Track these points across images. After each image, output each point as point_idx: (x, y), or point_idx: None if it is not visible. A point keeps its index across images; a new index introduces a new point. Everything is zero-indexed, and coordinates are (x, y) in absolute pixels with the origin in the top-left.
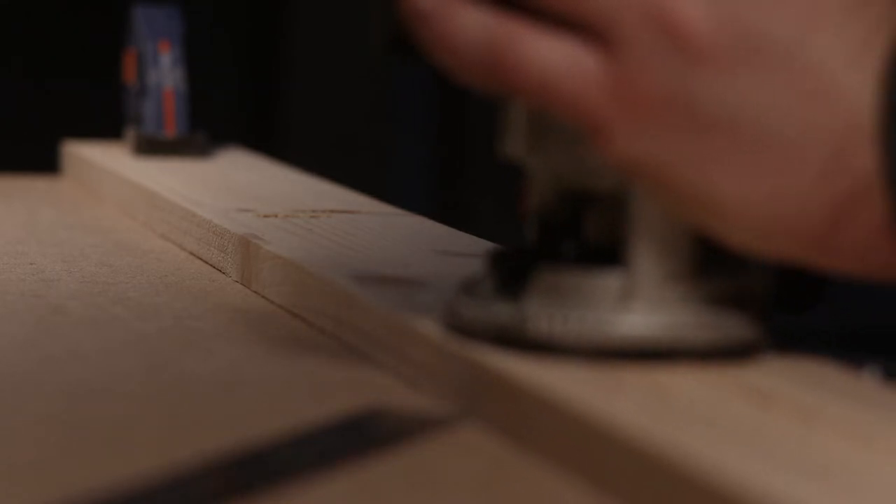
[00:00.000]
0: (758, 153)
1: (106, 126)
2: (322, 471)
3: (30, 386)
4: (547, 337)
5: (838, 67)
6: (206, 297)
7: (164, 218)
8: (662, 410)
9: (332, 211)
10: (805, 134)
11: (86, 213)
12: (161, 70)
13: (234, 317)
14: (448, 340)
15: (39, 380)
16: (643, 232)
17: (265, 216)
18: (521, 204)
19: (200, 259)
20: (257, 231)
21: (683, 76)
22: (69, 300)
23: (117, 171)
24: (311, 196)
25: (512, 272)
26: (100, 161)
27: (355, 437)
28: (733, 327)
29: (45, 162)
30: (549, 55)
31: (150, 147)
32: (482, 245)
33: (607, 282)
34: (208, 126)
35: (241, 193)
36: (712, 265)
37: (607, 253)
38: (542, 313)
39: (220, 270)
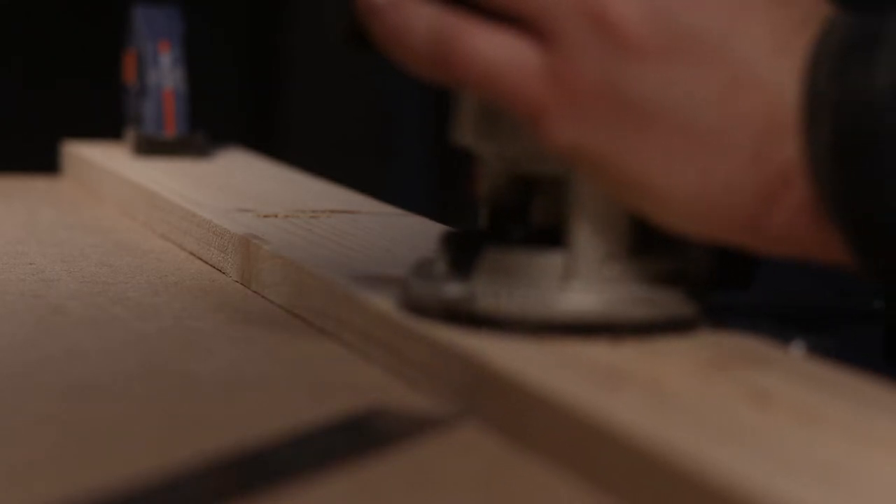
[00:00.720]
0: (687, 141)
1: (106, 126)
2: (322, 471)
3: (30, 386)
4: (493, 313)
5: (763, 61)
6: (206, 297)
7: (164, 218)
8: (661, 410)
9: (332, 211)
10: (732, 123)
11: (86, 213)
12: (161, 70)
13: (234, 317)
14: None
15: (39, 380)
16: (583, 214)
17: (265, 216)
18: (473, 188)
19: (200, 259)
20: (257, 231)
21: (616, 68)
22: (69, 300)
23: (117, 171)
24: (311, 196)
25: (462, 253)
26: (100, 161)
27: (355, 437)
28: (670, 304)
29: (45, 162)
30: (493, 48)
31: (150, 147)
32: None
33: (550, 261)
34: (208, 126)
35: (241, 193)
36: (651, 245)
37: (553, 234)
38: (489, 291)
39: (220, 270)
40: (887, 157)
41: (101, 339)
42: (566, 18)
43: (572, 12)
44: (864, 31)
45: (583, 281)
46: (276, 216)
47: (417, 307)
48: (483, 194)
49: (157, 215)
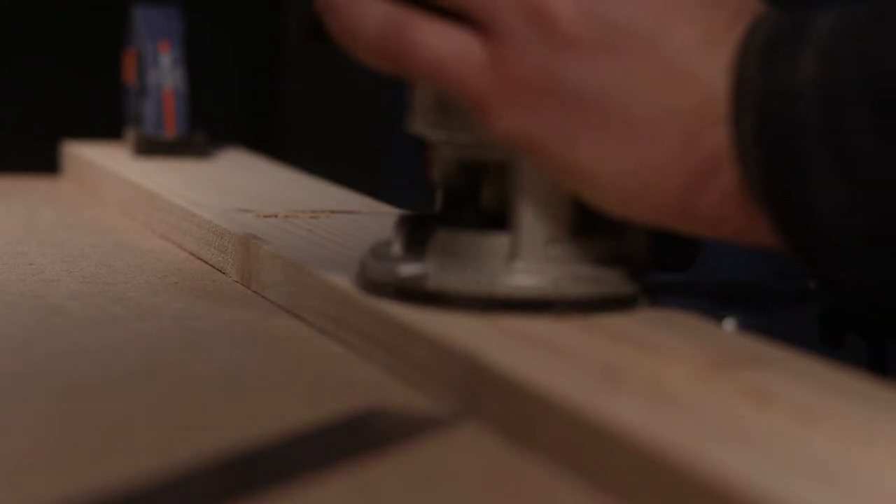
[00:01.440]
0: (621, 130)
1: (106, 126)
2: (322, 471)
3: (30, 386)
4: (444, 291)
5: (693, 56)
6: (206, 297)
7: (164, 218)
8: (661, 410)
9: (332, 211)
10: (664, 113)
11: (86, 213)
12: (161, 70)
13: (234, 317)
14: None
15: (39, 380)
16: (526, 198)
17: (265, 216)
18: (427, 174)
19: (200, 259)
20: (257, 231)
21: (554, 61)
22: (69, 300)
23: (117, 171)
24: (311, 196)
25: (416, 235)
26: (100, 161)
27: (355, 437)
28: (610, 283)
29: (45, 162)
30: (439, 41)
31: (150, 147)
32: None
33: (497, 242)
34: (208, 126)
35: (241, 193)
36: (593, 227)
37: (501, 217)
38: (440, 270)
39: (220, 270)
40: (809, 145)
41: (101, 339)
42: (507, 14)
43: (513, 9)
44: (789, 27)
45: (527, 261)
46: (276, 216)
47: (373, 286)
48: (435, 179)
49: (157, 215)
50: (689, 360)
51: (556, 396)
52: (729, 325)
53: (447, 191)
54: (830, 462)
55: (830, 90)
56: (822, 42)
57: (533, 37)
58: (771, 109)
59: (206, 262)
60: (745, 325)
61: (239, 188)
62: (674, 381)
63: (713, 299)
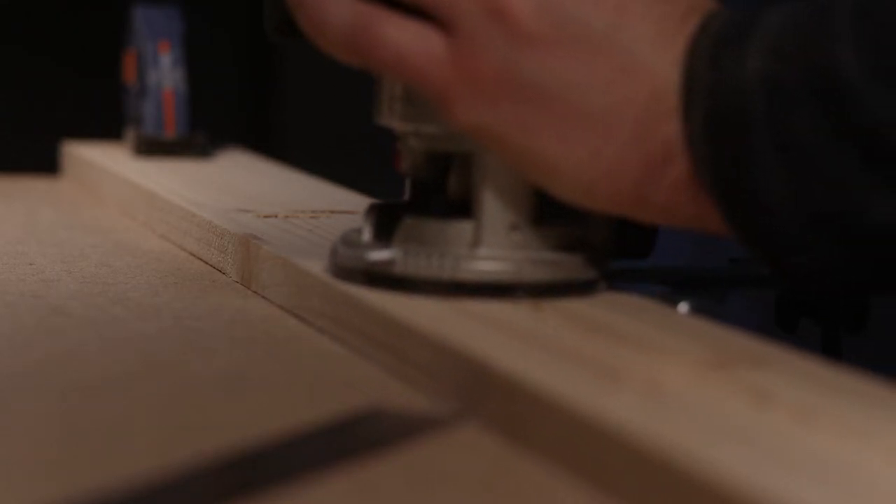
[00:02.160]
0: (578, 121)
1: (106, 126)
2: (322, 471)
3: (30, 386)
4: (410, 275)
5: (645, 51)
6: (206, 297)
7: (164, 218)
8: (660, 410)
9: (332, 211)
10: (618, 105)
11: (85, 213)
12: (161, 70)
13: (234, 317)
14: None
15: (39, 380)
16: (489, 187)
17: (265, 216)
18: (396, 165)
19: (200, 259)
20: (257, 231)
21: (512, 55)
22: (69, 300)
23: (117, 171)
24: (311, 196)
25: (385, 222)
26: (100, 161)
27: (355, 437)
28: (570, 268)
29: (45, 162)
30: (403, 36)
31: (150, 147)
32: None
33: (461, 229)
34: (208, 126)
35: (241, 194)
36: (554, 215)
37: (466, 206)
38: (407, 256)
39: (220, 271)
40: (754, 136)
41: (101, 340)
42: (469, 11)
43: (474, 6)
44: (738, 24)
45: (489, 247)
46: (276, 216)
47: (343, 272)
48: (404, 170)
49: (156, 215)
50: (688, 360)
51: (556, 396)
52: (683, 308)
53: (415, 181)
54: (829, 461)
55: (775, 84)
56: (768, 38)
57: (493, 33)
58: (718, 103)
59: (206, 262)
60: (699, 310)
61: (239, 188)
62: (673, 380)
63: (670, 285)
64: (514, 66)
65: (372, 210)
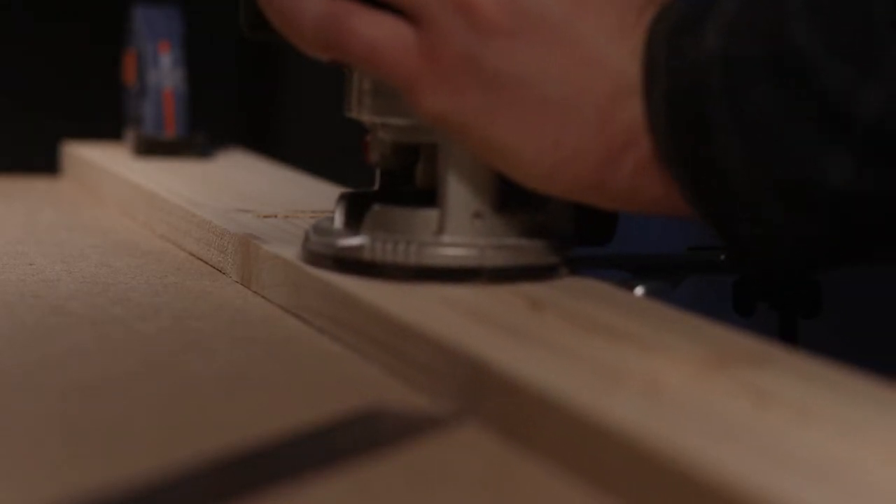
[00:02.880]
0: (539, 109)
1: (106, 126)
2: (322, 471)
3: (30, 386)
4: (378, 261)
5: (605, 42)
6: (206, 297)
7: (164, 218)
8: (660, 409)
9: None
10: (578, 94)
11: (85, 213)
12: (161, 71)
13: (234, 317)
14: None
15: (39, 380)
16: (453, 176)
17: (265, 216)
18: (365, 156)
19: (200, 259)
20: (257, 231)
21: (476, 46)
22: (69, 300)
23: (117, 171)
24: (311, 196)
25: (355, 210)
26: (100, 162)
27: (355, 437)
28: (532, 253)
29: (45, 162)
30: (372, 29)
31: (150, 148)
32: None
33: (427, 217)
34: (208, 126)
35: (241, 194)
36: (518, 202)
37: (433, 195)
38: (375, 242)
39: (220, 271)
40: (712, 108)
41: (101, 340)
42: (435, 5)
43: (440, 0)
44: (694, 10)
45: (453, 234)
46: (276, 216)
47: (314, 258)
48: (373, 161)
49: (156, 216)
50: (688, 359)
51: (556, 396)
52: (639, 292)
53: (384, 171)
54: (828, 461)
55: (732, 60)
56: (725, 18)
57: (458, 25)
58: (677, 82)
59: (206, 263)
60: (656, 293)
61: (239, 188)
62: (672, 380)
63: (629, 270)
64: (477, 56)
65: (342, 199)
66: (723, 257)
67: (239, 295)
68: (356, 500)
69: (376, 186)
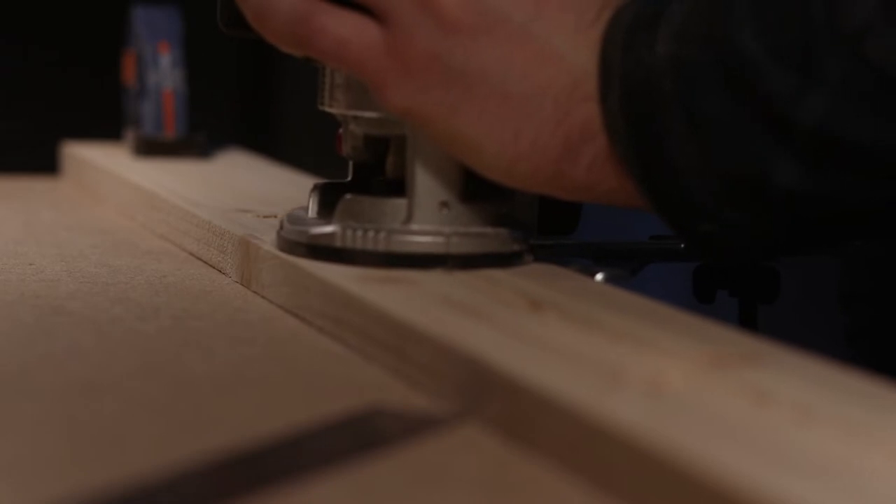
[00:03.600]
0: (500, 104)
1: (106, 126)
2: (322, 471)
3: (29, 386)
4: (348, 248)
5: (564, 40)
6: (206, 297)
7: (164, 219)
8: (661, 409)
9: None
10: (538, 90)
11: (85, 213)
12: (160, 71)
13: (234, 317)
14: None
15: (39, 380)
16: (420, 167)
17: (265, 217)
18: (338, 149)
19: (200, 259)
20: (257, 231)
21: (440, 44)
22: (69, 300)
23: (117, 172)
24: None
25: (327, 200)
26: (99, 162)
27: (355, 437)
28: (495, 241)
29: (45, 162)
30: (341, 27)
31: (150, 148)
32: None
33: (395, 206)
34: (207, 127)
35: (241, 194)
36: (483, 193)
37: (401, 185)
38: (345, 230)
39: (220, 271)
40: (665, 112)
41: (101, 339)
42: (400, 4)
43: None
44: (648, 12)
45: (420, 222)
46: (275, 216)
47: (288, 245)
48: (346, 153)
49: (156, 216)
50: (688, 359)
51: (556, 396)
52: (599, 277)
53: (356, 163)
54: (828, 460)
55: (683, 64)
56: (676, 24)
57: (422, 23)
58: (632, 84)
59: (206, 263)
60: (616, 280)
61: (239, 188)
62: (673, 379)
63: (590, 258)
64: (441, 53)
65: (316, 189)
66: (683, 246)
67: (239, 295)
68: (356, 500)
69: (349, 177)
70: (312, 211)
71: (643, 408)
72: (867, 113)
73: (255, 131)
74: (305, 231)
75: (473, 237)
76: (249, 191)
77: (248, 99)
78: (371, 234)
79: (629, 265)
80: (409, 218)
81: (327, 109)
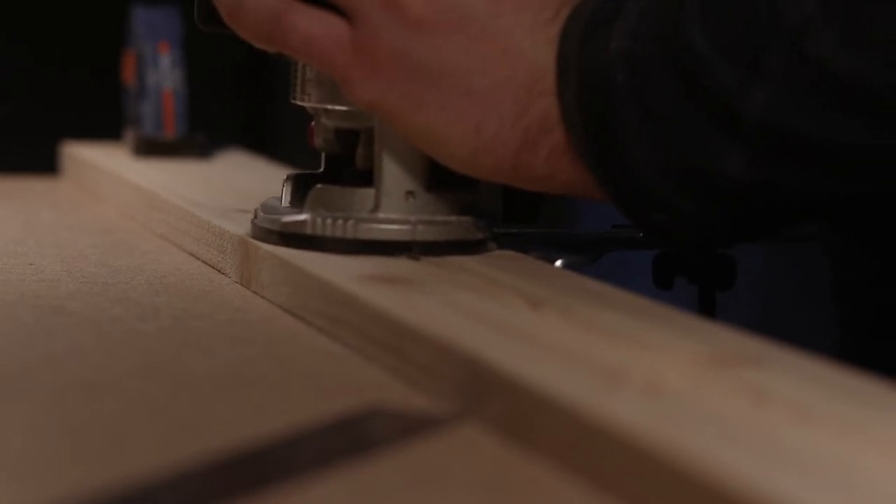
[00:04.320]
0: (462, 98)
1: (106, 126)
2: (322, 471)
3: (29, 386)
4: (318, 236)
5: (523, 36)
6: (206, 297)
7: (164, 219)
8: (660, 408)
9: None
10: (498, 84)
11: (85, 213)
12: (160, 71)
13: (234, 317)
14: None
15: (39, 380)
16: (387, 158)
17: None
18: (310, 141)
19: (200, 259)
20: None
21: (405, 40)
22: (69, 300)
23: (117, 171)
24: None
25: (298, 190)
26: (99, 162)
27: (355, 437)
28: (460, 229)
29: (45, 162)
30: (311, 24)
31: (150, 148)
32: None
33: (364, 195)
34: (207, 127)
35: (241, 194)
36: (448, 183)
37: (371, 175)
38: (316, 218)
39: (220, 271)
40: (619, 106)
41: (101, 339)
42: (366, 2)
43: None
44: (605, 9)
45: (387, 211)
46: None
47: (261, 233)
48: (317, 145)
49: (156, 216)
50: (688, 359)
51: (556, 396)
52: (559, 263)
53: (328, 154)
54: (828, 460)
55: (636, 60)
56: (631, 21)
57: (387, 20)
58: (588, 79)
59: (206, 263)
60: (574, 266)
61: (239, 188)
62: (672, 379)
63: (552, 246)
64: (405, 49)
65: (289, 179)
66: (642, 235)
67: (238, 295)
68: (356, 499)
69: (321, 168)
70: (285, 200)
71: (643, 408)
72: (809, 106)
73: (255, 131)
74: (278, 219)
75: (438, 225)
76: (249, 191)
77: (248, 99)
78: (340, 222)
79: (590, 254)
80: (376, 207)
81: (299, 103)
